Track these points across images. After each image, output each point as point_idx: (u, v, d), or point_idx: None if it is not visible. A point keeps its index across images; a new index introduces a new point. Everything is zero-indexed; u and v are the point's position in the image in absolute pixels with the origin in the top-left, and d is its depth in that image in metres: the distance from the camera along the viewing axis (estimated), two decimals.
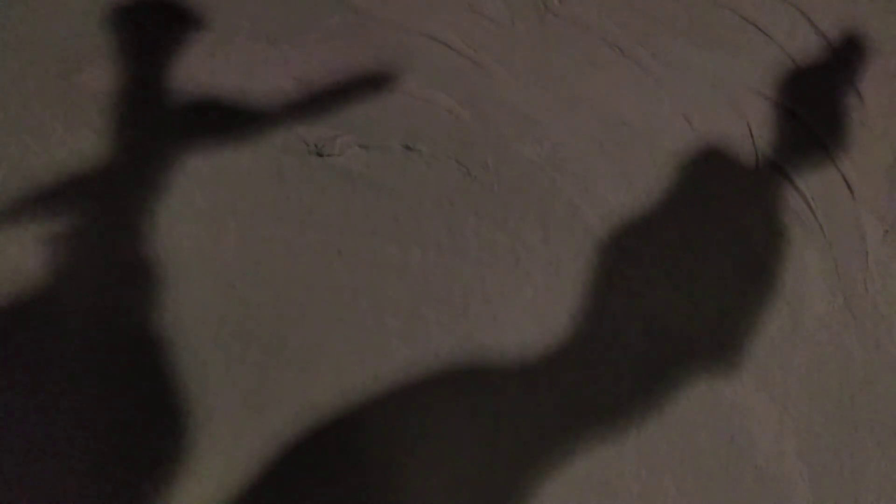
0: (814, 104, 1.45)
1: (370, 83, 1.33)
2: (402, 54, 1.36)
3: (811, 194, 1.37)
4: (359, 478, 1.07)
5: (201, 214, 1.18)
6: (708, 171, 1.36)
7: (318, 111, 1.29)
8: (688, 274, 1.28)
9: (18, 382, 1.05)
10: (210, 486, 1.04)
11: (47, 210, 1.15)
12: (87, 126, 1.21)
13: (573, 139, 1.35)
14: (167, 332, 1.11)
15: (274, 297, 1.16)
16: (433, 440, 1.11)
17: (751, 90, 1.44)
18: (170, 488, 1.03)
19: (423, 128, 1.31)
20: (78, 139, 1.20)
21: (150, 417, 1.06)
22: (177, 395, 1.08)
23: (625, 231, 1.29)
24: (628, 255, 1.27)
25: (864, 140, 1.43)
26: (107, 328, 1.10)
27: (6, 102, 1.21)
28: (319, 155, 1.26)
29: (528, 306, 1.21)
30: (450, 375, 1.15)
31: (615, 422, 1.17)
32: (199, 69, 1.28)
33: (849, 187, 1.39)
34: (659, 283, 1.26)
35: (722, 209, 1.33)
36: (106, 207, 1.16)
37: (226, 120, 1.25)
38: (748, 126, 1.41)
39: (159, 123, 1.23)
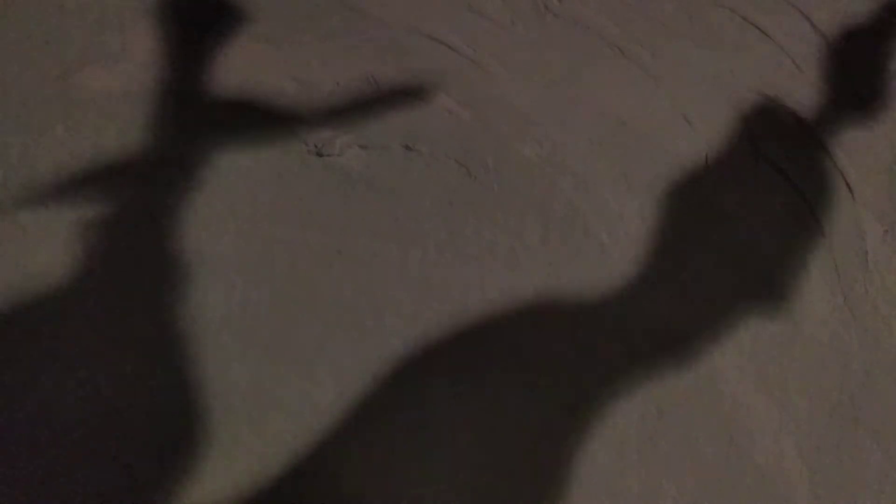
0: (813, 104, 1.45)
1: (371, 84, 1.33)
2: (403, 54, 1.36)
3: (811, 194, 1.37)
4: (355, 479, 1.07)
5: (201, 214, 1.19)
6: (707, 170, 1.36)
7: (319, 112, 1.29)
8: (687, 274, 1.28)
9: (18, 382, 1.05)
10: (209, 485, 1.04)
11: (47, 211, 1.15)
12: (87, 126, 1.21)
13: (573, 139, 1.35)
14: (167, 333, 1.11)
15: (274, 297, 1.16)
16: (432, 438, 1.11)
17: (751, 90, 1.44)
18: (169, 488, 1.03)
19: (423, 128, 1.31)
20: (78, 139, 1.20)
21: (150, 417, 1.06)
22: (176, 395, 1.08)
23: (624, 231, 1.29)
24: (628, 256, 1.27)
25: (864, 140, 1.43)
26: (106, 329, 1.10)
27: (6, 102, 1.21)
28: (319, 155, 1.26)
29: (527, 306, 1.21)
30: (450, 375, 1.15)
31: (615, 422, 1.17)
32: (199, 69, 1.28)
33: (849, 187, 1.39)
34: (658, 282, 1.26)
35: (721, 209, 1.33)
36: (105, 208, 1.16)
37: (226, 120, 1.25)
38: (748, 126, 1.41)
39: (159, 124, 1.23)
